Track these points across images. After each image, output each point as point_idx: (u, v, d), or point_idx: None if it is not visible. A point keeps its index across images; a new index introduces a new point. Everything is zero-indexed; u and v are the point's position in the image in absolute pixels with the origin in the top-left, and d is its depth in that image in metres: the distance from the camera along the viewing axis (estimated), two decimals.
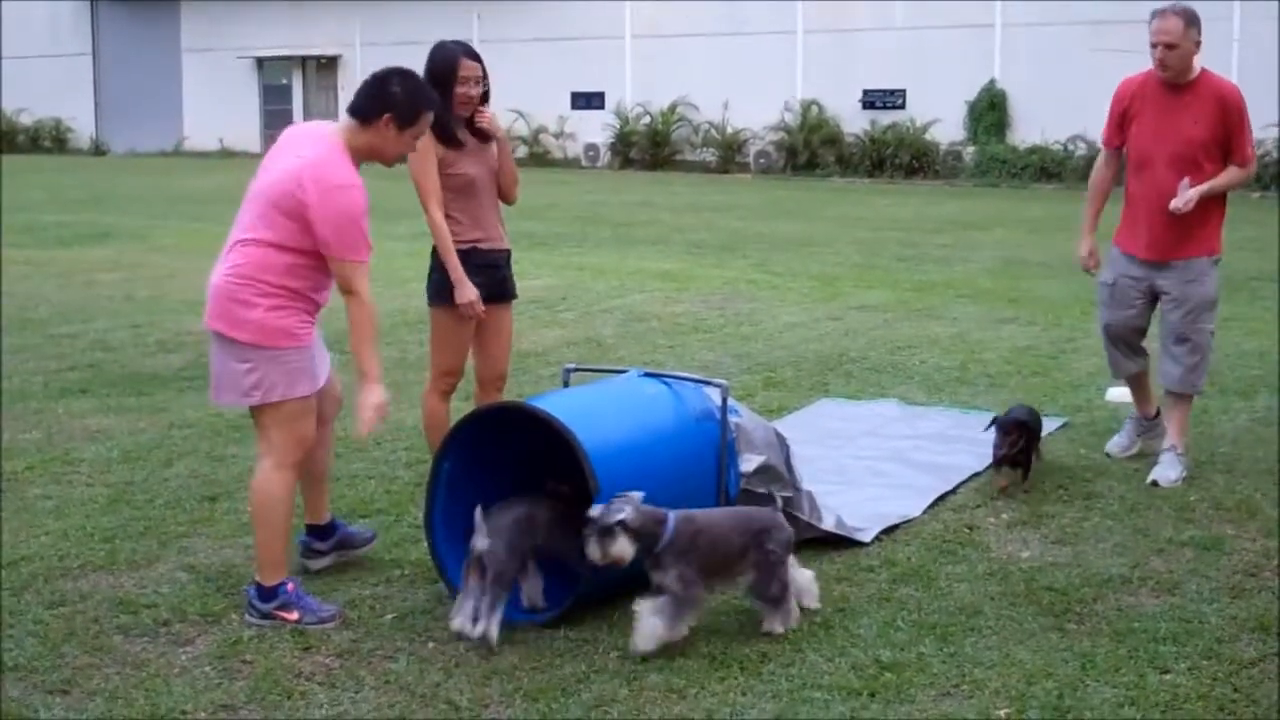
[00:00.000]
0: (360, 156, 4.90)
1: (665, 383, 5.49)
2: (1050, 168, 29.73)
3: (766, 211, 22.28)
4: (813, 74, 33.27)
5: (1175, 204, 6.66)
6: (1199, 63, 6.80)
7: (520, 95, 36.99)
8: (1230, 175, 6.73)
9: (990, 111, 30.86)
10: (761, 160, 33.22)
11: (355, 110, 4.92)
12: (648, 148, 34.71)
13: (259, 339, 4.81)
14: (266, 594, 4.88)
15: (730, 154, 33.91)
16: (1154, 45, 6.70)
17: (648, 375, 5.57)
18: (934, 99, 31.37)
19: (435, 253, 6.07)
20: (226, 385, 4.92)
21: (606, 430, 4.95)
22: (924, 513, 6.20)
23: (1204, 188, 6.65)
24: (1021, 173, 29.86)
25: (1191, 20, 6.68)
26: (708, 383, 5.56)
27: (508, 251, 6.34)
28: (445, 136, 5.97)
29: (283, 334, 4.81)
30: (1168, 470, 6.76)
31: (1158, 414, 7.28)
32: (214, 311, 4.89)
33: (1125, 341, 7.12)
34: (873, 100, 32.67)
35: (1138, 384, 7.31)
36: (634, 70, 35.63)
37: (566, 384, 5.74)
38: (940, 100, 31.23)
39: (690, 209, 22.61)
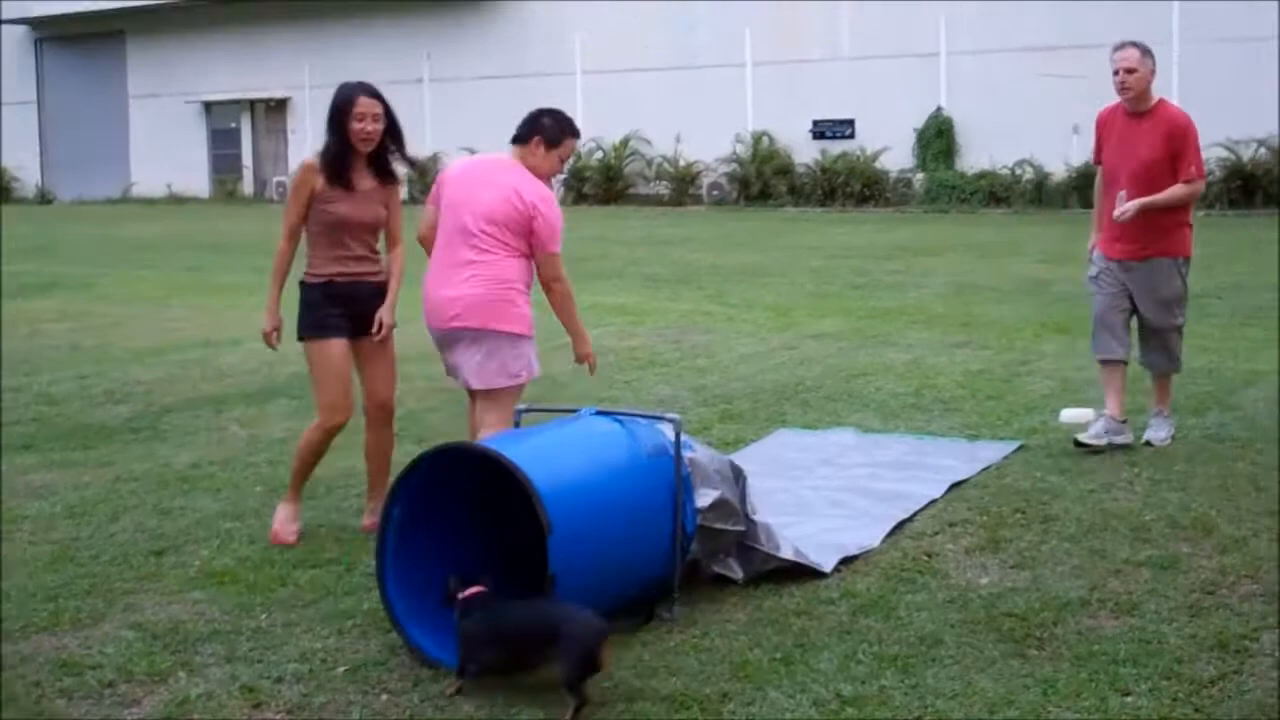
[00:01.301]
0: (533, 173, 6.14)
1: (618, 420, 5.44)
2: (999, 192, 29.94)
3: (720, 243, 22.31)
4: (763, 105, 33.41)
5: (1116, 214, 7.71)
6: (1156, 92, 7.81)
7: (472, 133, 36.97)
8: (1173, 190, 7.69)
9: (938, 139, 31.06)
10: (714, 192, 33.31)
11: (516, 139, 6.27)
12: (601, 182, 34.76)
13: (524, 329, 6.14)
14: None
15: (683, 186, 34.01)
16: (1116, 72, 7.72)
17: (600, 413, 5.52)
18: (883, 127, 31.55)
19: (302, 286, 6.27)
20: (494, 372, 6.11)
21: (559, 469, 4.89)
22: (882, 542, 6.16)
23: (1143, 201, 7.63)
24: (971, 198, 30.04)
25: (1146, 51, 7.76)
26: (661, 418, 5.51)
27: (379, 284, 6.42)
28: (332, 175, 6.17)
29: (532, 323, 6.17)
30: (1158, 430, 7.93)
31: (1125, 420, 7.95)
32: (478, 314, 6.07)
33: (1109, 324, 7.95)
34: (822, 130, 32.83)
35: (1114, 376, 8.01)
36: (586, 106, 35.66)
37: (518, 424, 5.68)
38: (889, 129, 31.41)
39: (645, 242, 22.60)
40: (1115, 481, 7.07)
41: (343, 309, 6.27)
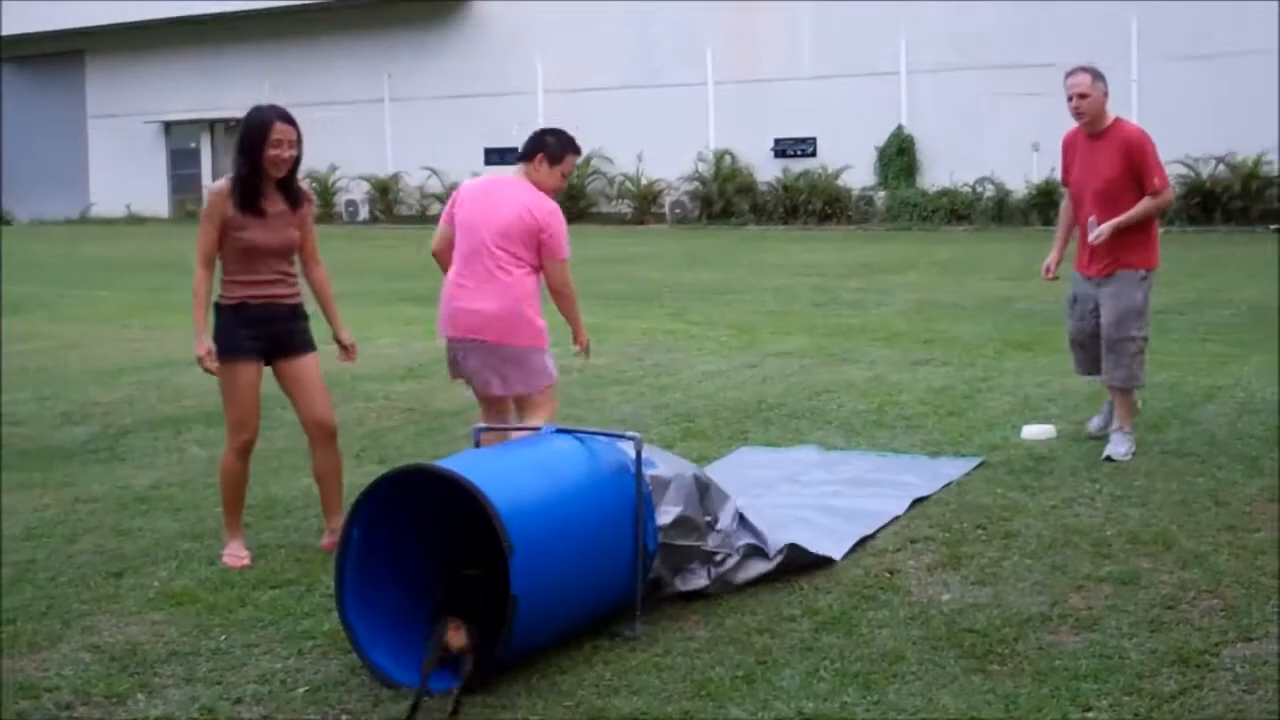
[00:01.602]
0: (538, 189, 6.68)
1: (578, 438, 5.43)
2: (960, 209, 30.13)
3: (683, 261, 22.35)
4: (725, 124, 33.54)
5: (1090, 238, 8.05)
6: (1113, 111, 8.08)
7: (433, 152, 37.00)
8: (1142, 205, 7.98)
9: (899, 156, 31.25)
10: (677, 210, 33.39)
11: (521, 157, 6.75)
12: (563, 201, 34.47)
13: (540, 342, 6.64)
14: None
15: (646, 205, 34.09)
16: (1069, 98, 7.99)
17: (560, 431, 5.51)
18: (844, 146, 31.72)
19: (217, 309, 6.31)
20: (521, 380, 6.66)
21: (518, 488, 4.88)
22: (844, 558, 6.16)
23: (1116, 221, 7.94)
24: (932, 215, 30.23)
25: (1097, 75, 8.01)
26: (621, 436, 5.50)
27: (293, 306, 6.46)
28: (244, 201, 6.21)
29: (544, 333, 6.66)
30: (1118, 446, 8.02)
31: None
32: (496, 329, 6.55)
33: (1083, 346, 8.33)
34: (784, 148, 32.98)
35: (1102, 384, 8.44)
36: (547, 124, 35.64)
37: (478, 444, 5.66)
38: (850, 147, 31.58)
39: (607, 261, 22.60)
40: (1076, 497, 7.10)
41: (256, 331, 6.32)
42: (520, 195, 6.66)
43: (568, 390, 10.68)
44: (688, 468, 5.90)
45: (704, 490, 5.76)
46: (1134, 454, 7.99)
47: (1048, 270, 8.58)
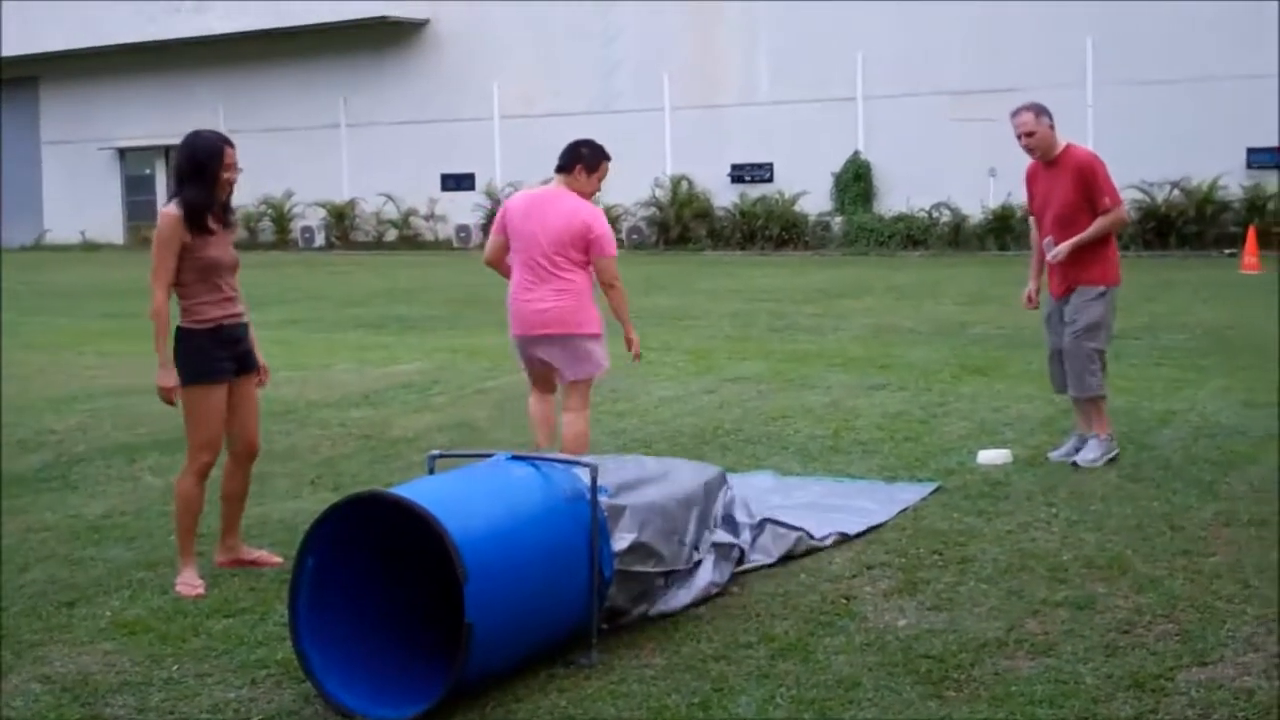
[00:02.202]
0: (579, 196, 7.68)
1: (533, 465, 5.43)
2: (916, 235, 30.29)
3: (640, 286, 22.34)
4: (682, 149, 33.64)
5: (1049, 258, 8.51)
6: (1061, 139, 8.50)
7: (389, 178, 36.95)
8: (1096, 224, 8.39)
9: (856, 182, 31.39)
10: (634, 235, 33.42)
11: (560, 168, 7.74)
12: None
13: (601, 329, 7.75)
14: None
15: None
16: (1018, 137, 8.47)
17: (515, 458, 5.50)
18: (801, 171, 31.86)
19: (179, 333, 6.31)
20: (583, 366, 7.73)
21: (473, 515, 4.86)
22: (799, 585, 6.17)
23: (1072, 241, 8.38)
24: (889, 241, 30.37)
25: (1040, 110, 8.44)
26: (576, 463, 5.50)
27: (247, 323, 6.59)
28: (197, 223, 6.27)
29: (602, 321, 7.72)
30: (1087, 452, 8.42)
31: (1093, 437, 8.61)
32: (566, 322, 7.61)
33: (1059, 361, 8.67)
34: (741, 174, 33.09)
35: (1076, 404, 8.73)
36: (504, 150, 35.71)
37: (432, 471, 5.65)
38: (807, 172, 31.72)
39: None
40: (1032, 522, 7.13)
41: (229, 352, 6.40)
42: (566, 204, 7.66)
43: (523, 417, 10.66)
44: (686, 478, 6.00)
45: (690, 506, 5.86)
46: (1104, 462, 8.33)
47: (1029, 300, 8.85)
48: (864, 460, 8.75)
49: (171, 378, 6.26)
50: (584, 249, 7.62)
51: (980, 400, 10.79)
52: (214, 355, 6.33)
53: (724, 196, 32.93)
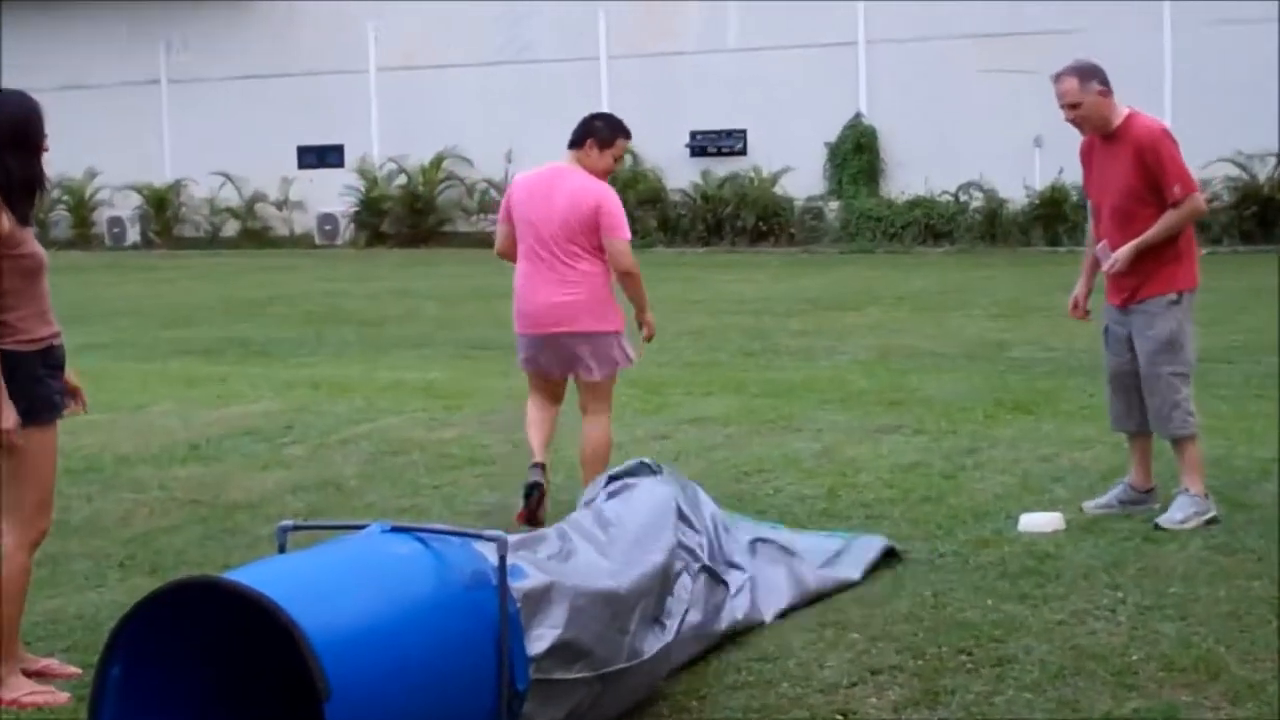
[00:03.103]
0: (591, 174, 8.85)
1: (420, 539, 5.42)
2: (937, 225, 30.28)
3: None
4: (622, 112, 33.48)
5: (1104, 269, 8.73)
6: (1122, 106, 8.72)
7: (227, 153, 36.73)
8: (1163, 221, 8.57)
9: (857, 155, 31.41)
10: None
11: (571, 144, 8.99)
12: (405, 217, 34.73)
13: (621, 325, 8.99)
14: None
15: None
16: (1062, 108, 8.71)
17: (396, 530, 5.49)
18: (783, 141, 31.81)
19: (10, 356, 6.21)
20: (602, 363, 8.93)
21: (337, 610, 4.84)
22: (784, 697, 6.17)
23: (1132, 245, 8.56)
24: (901, 233, 30.39)
25: (1086, 74, 8.65)
26: (479, 536, 5.50)
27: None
28: (21, 209, 6.24)
29: (623, 316, 9.03)
30: (1174, 511, 8.59)
31: (1151, 490, 8.96)
32: (585, 318, 8.81)
33: (1121, 388, 8.91)
34: (704, 145, 33.09)
35: (1135, 444, 9.03)
36: (383, 114, 35.62)
37: (283, 548, 5.62)
38: (791, 142, 31.66)
39: (465, 297, 22.57)
40: (1092, 609, 7.16)
41: (59, 382, 6.42)
42: (572, 182, 8.85)
43: (408, 474, 10.64)
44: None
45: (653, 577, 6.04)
46: (1195, 526, 8.47)
47: (1075, 306, 9.12)
48: (868, 526, 8.75)
49: (11, 416, 6.14)
50: (594, 231, 8.79)
51: (1023, 446, 10.84)
52: (49, 386, 6.33)
53: (680, 175, 32.93)
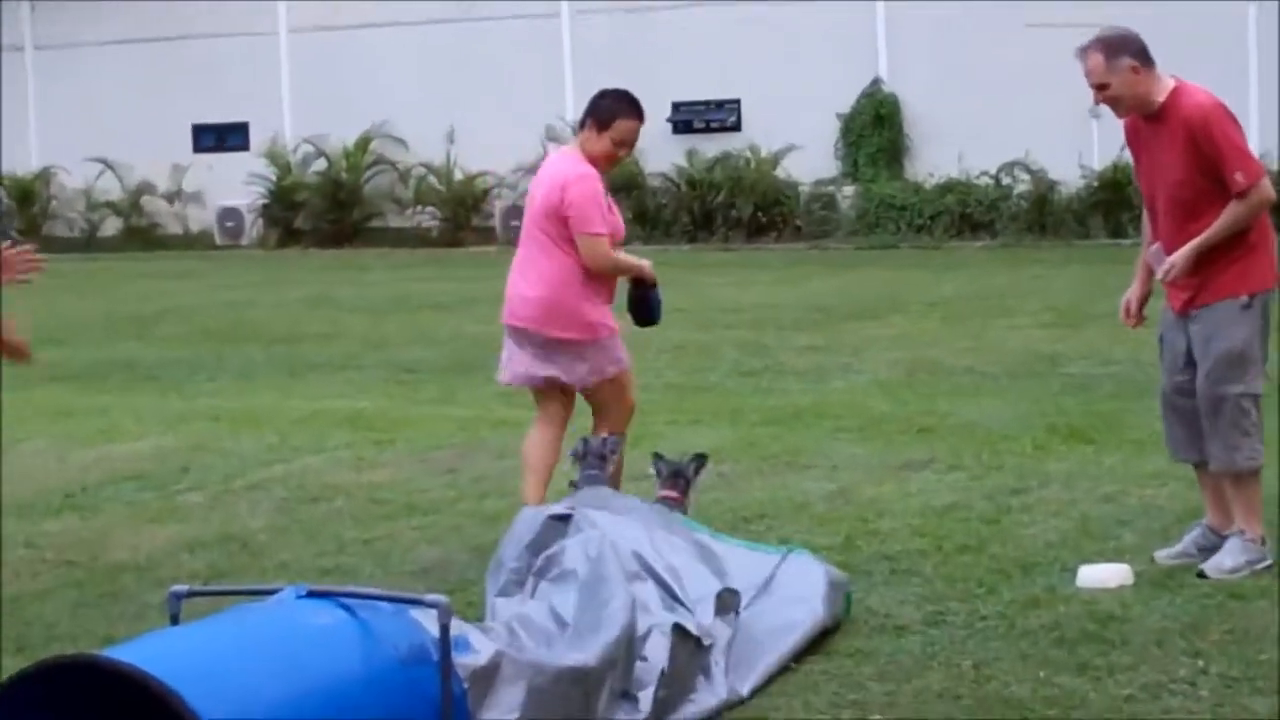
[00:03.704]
0: (588, 160, 9.62)
1: (344, 606, 5.42)
2: (975, 214, 30.32)
3: None
4: (589, 78, 33.56)
5: (1159, 276, 8.80)
6: (1166, 79, 8.76)
7: (107, 134, 36.68)
8: (1227, 215, 8.56)
9: (876, 130, 31.45)
10: (514, 223, 33.27)
11: (579, 123, 9.86)
12: (324, 210, 34.69)
13: (586, 335, 9.55)
14: None
15: (463, 214, 34.03)
16: (1091, 89, 8.87)
17: (315, 595, 5.48)
18: (786, 113, 31.80)
19: None
20: (585, 372, 9.61)
21: (242, 693, 4.85)
22: None
23: (1191, 247, 8.57)
24: (931, 225, 30.40)
25: (1115, 48, 8.69)
26: (417, 602, 5.49)
27: None
28: None
29: (596, 324, 9.58)
30: (1222, 558, 8.63)
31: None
32: (543, 319, 9.56)
33: (1178, 411, 8.95)
34: (688, 118, 33.11)
35: (1205, 479, 9.09)
36: (296, 86, 35.62)
37: (176, 618, 5.62)
38: (796, 115, 31.65)
39: (397, 307, 22.57)
40: (1167, 681, 7.18)
41: None
42: (557, 167, 9.76)
43: (329, 526, 10.62)
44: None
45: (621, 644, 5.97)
46: (1250, 572, 8.45)
47: (1128, 310, 9.15)
48: (894, 584, 8.77)
49: None
50: (565, 225, 9.53)
51: (1081, 483, 10.84)
52: None
53: (660, 156, 32.86)
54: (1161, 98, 8.64)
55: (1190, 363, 8.77)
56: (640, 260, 10.08)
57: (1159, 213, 8.77)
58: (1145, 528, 9.66)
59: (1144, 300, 9.10)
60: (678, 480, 9.22)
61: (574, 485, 9.11)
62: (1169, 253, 8.65)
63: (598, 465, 9.31)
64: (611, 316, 9.77)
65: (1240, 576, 8.46)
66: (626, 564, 7.35)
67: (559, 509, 8.01)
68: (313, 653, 5.19)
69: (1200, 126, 8.51)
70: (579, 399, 9.98)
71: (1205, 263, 8.59)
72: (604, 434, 9.59)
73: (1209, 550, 8.85)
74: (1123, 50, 8.60)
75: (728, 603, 7.52)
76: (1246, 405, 8.63)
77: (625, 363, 9.82)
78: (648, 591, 7.22)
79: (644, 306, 10.11)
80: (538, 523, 7.80)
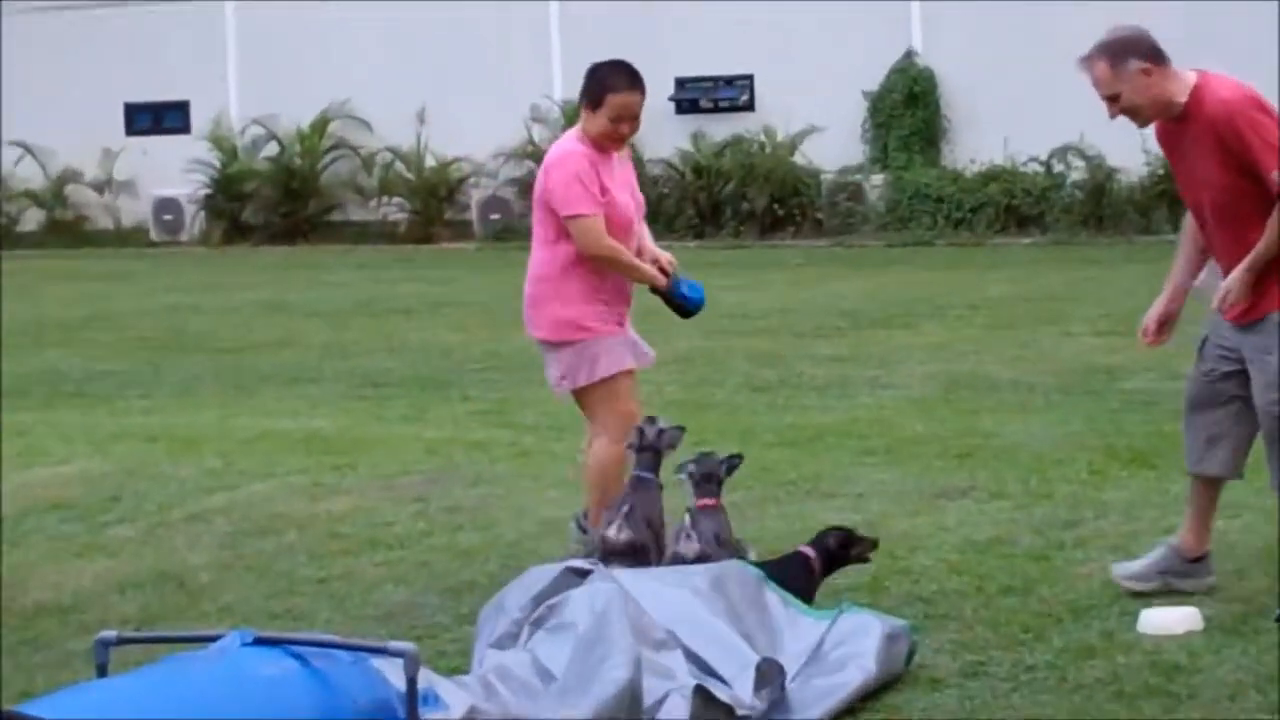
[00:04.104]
0: (591, 142, 10.04)
1: (296, 655, 5.41)
2: (1023, 207, 30.35)
3: (503, 309, 22.33)
4: (580, 54, 33.55)
5: (1215, 305, 8.88)
6: (1187, 74, 8.87)
7: (29, 113, 36.70)
8: (1274, 225, 8.56)
9: (909, 110, 31.50)
10: (494, 216, 33.40)
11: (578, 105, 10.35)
12: (276, 202, 34.73)
13: (554, 335, 10.03)
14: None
15: (435, 206, 34.06)
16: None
17: (262, 643, 5.48)
18: (805, 91, 31.86)
19: None
20: (556, 380, 10.13)
21: None
22: None
23: (1242, 270, 8.65)
24: (972, 218, 30.44)
25: (1120, 52, 8.87)
26: (380, 651, 5.49)
27: None
28: None
29: (567, 325, 9.97)
30: None
31: (1202, 559, 9.24)
32: (530, 319, 10.20)
33: (1198, 410, 9.20)
34: (694, 97, 33.17)
35: (1198, 494, 9.34)
36: (244, 59, 35.66)
37: (104, 668, 5.61)
38: (817, 93, 31.73)
39: (360, 312, 22.60)
40: None
41: None
42: (550, 151, 10.42)
43: (279, 562, 10.60)
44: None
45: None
46: None
47: (1146, 331, 9.40)
48: (928, 630, 8.75)
49: None
50: (549, 212, 10.05)
51: (1143, 514, 10.85)
52: None
53: (662, 139, 32.88)
54: (1184, 97, 8.76)
55: (1236, 370, 8.97)
56: (646, 268, 10.25)
57: (1208, 224, 8.90)
58: (1217, 566, 9.64)
59: (1166, 320, 9.21)
60: (710, 484, 9.48)
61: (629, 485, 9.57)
62: (1228, 268, 8.73)
63: (650, 463, 9.69)
64: (598, 316, 10.05)
65: None
66: (649, 629, 7.40)
67: (579, 562, 8.10)
68: (259, 709, 5.18)
69: (1226, 124, 8.61)
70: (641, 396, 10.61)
71: (1260, 272, 8.68)
72: (659, 424, 9.84)
73: (1172, 574, 9.06)
74: (1129, 52, 8.78)
75: (768, 675, 7.50)
76: None
77: (613, 369, 10.07)
78: (674, 659, 7.31)
79: (672, 305, 10.50)
80: (553, 573, 7.90)
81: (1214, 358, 9.05)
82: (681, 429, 9.99)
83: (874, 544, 9.20)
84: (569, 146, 10.19)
